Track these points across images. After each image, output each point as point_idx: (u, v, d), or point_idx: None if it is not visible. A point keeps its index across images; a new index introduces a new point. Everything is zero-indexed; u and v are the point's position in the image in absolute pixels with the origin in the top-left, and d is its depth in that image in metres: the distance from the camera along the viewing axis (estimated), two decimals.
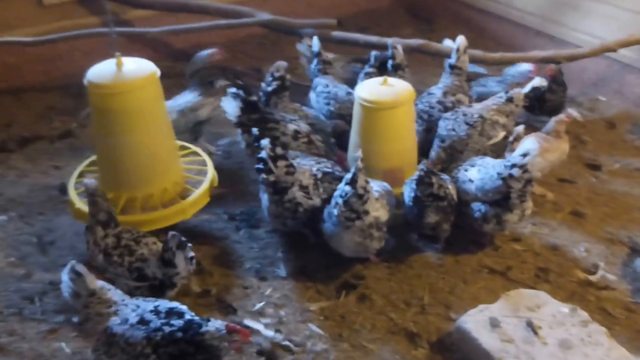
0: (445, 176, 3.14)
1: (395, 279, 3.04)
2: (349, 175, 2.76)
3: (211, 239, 3.31)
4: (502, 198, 2.94)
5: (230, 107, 3.40)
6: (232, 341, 2.21)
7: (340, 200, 2.77)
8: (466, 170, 3.13)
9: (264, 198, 3.06)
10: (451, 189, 3.07)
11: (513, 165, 2.85)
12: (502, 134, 3.47)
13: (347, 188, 2.74)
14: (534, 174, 2.87)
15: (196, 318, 2.30)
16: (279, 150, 2.92)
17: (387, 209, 2.96)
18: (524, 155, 2.83)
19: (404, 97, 3.21)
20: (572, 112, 3.58)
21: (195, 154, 3.56)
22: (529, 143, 2.86)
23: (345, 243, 2.90)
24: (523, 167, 2.83)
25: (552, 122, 3.53)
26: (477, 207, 3.05)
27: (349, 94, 3.82)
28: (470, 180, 3.07)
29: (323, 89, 3.92)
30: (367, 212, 2.78)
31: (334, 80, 3.99)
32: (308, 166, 3.11)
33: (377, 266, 3.10)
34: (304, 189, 2.99)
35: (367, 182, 2.77)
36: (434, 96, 3.79)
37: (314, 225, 3.03)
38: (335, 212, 2.80)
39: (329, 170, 3.14)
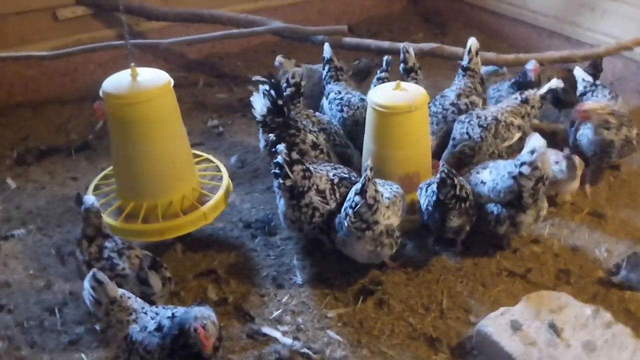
0: (461, 177, 3.11)
1: (414, 283, 3.01)
2: (358, 185, 2.75)
3: (227, 247, 3.31)
4: (515, 198, 2.91)
5: (259, 104, 3.41)
6: (197, 339, 2.17)
7: (350, 211, 2.77)
8: (478, 173, 3.11)
9: (281, 203, 3.06)
10: (469, 189, 3.05)
11: (522, 164, 2.82)
12: (517, 135, 3.44)
13: (357, 198, 2.73)
14: (544, 171, 2.83)
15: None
16: (295, 155, 2.92)
17: (399, 214, 2.94)
18: (532, 152, 2.80)
19: (418, 101, 3.19)
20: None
21: (208, 160, 3.58)
22: (535, 140, 2.82)
23: (357, 251, 2.90)
24: (532, 164, 2.79)
25: None
26: (491, 209, 3.03)
27: (362, 100, 3.81)
28: (483, 182, 3.04)
29: (336, 96, 3.91)
30: (377, 222, 2.77)
31: (347, 87, 3.99)
32: (324, 171, 3.11)
33: (394, 271, 3.08)
34: (321, 193, 2.99)
35: (377, 191, 2.75)
36: (448, 98, 3.77)
37: (330, 230, 3.02)
38: (346, 222, 2.80)
39: (345, 175, 3.13)
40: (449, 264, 3.12)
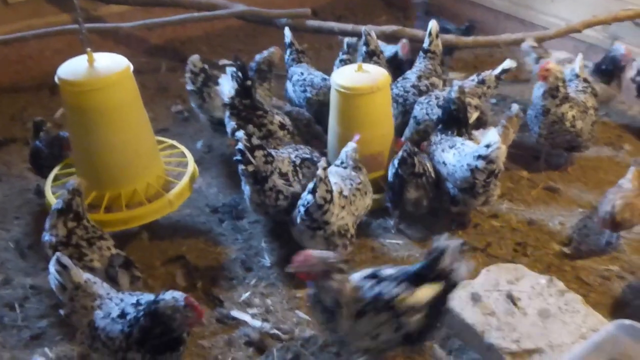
0: (424, 155, 3.21)
1: (380, 261, 3.08)
2: (311, 185, 2.78)
3: (195, 232, 3.32)
4: (469, 187, 3.01)
5: (227, 86, 3.40)
6: (186, 316, 2.16)
7: (302, 209, 2.80)
8: (443, 151, 3.17)
9: (247, 189, 3.08)
10: (429, 166, 3.15)
11: (479, 157, 2.91)
12: (475, 115, 3.53)
13: (309, 197, 2.76)
14: (497, 166, 2.90)
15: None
16: (255, 141, 2.94)
17: (357, 214, 2.96)
18: (487, 146, 2.88)
19: (380, 83, 3.25)
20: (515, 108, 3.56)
21: (173, 146, 3.55)
22: (491, 135, 2.89)
23: (312, 248, 2.89)
24: (487, 159, 2.88)
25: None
26: (448, 189, 3.13)
27: (325, 79, 3.88)
28: (444, 163, 3.13)
29: (299, 78, 3.96)
30: (327, 223, 2.79)
31: (309, 68, 4.04)
32: (286, 154, 3.14)
33: (361, 250, 3.14)
34: (284, 176, 3.02)
35: (329, 191, 2.74)
36: (409, 80, 3.85)
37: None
38: (298, 219, 2.84)
39: (307, 156, 3.18)
40: (414, 241, 3.21)
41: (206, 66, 3.78)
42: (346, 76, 3.29)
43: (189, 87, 3.76)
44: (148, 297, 2.32)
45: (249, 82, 3.35)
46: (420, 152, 3.22)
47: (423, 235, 3.24)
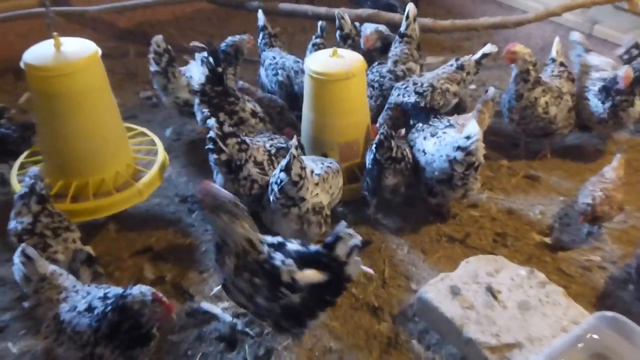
0: (402, 141, 3.12)
1: None
2: (284, 162, 2.68)
3: (164, 223, 3.20)
4: (446, 178, 2.92)
5: (197, 72, 3.27)
6: (155, 311, 2.11)
7: (275, 187, 2.71)
8: (425, 139, 3.08)
9: (219, 177, 2.97)
10: (408, 152, 3.07)
11: (458, 148, 2.82)
12: (453, 101, 3.46)
13: (282, 175, 2.67)
14: (477, 159, 2.81)
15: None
16: (226, 129, 2.82)
17: (330, 191, 2.89)
18: (467, 138, 2.79)
19: (355, 68, 3.13)
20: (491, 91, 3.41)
21: (143, 134, 3.43)
22: (472, 126, 2.79)
23: (284, 230, 2.82)
24: (466, 150, 2.79)
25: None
26: (426, 180, 3.04)
27: (297, 62, 3.78)
28: (424, 152, 3.04)
29: (271, 62, 3.86)
30: (303, 199, 2.71)
31: (282, 52, 3.94)
32: (261, 142, 3.04)
33: None
34: (259, 165, 2.91)
35: (303, 168, 2.67)
36: (385, 65, 3.75)
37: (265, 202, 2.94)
38: (272, 198, 2.74)
39: (283, 145, 3.08)
40: (390, 232, 3.13)
41: (169, 46, 3.63)
42: (320, 61, 3.17)
43: (153, 68, 3.63)
44: (116, 290, 2.24)
45: (220, 69, 3.22)
46: (398, 138, 3.13)
47: (400, 225, 3.16)
